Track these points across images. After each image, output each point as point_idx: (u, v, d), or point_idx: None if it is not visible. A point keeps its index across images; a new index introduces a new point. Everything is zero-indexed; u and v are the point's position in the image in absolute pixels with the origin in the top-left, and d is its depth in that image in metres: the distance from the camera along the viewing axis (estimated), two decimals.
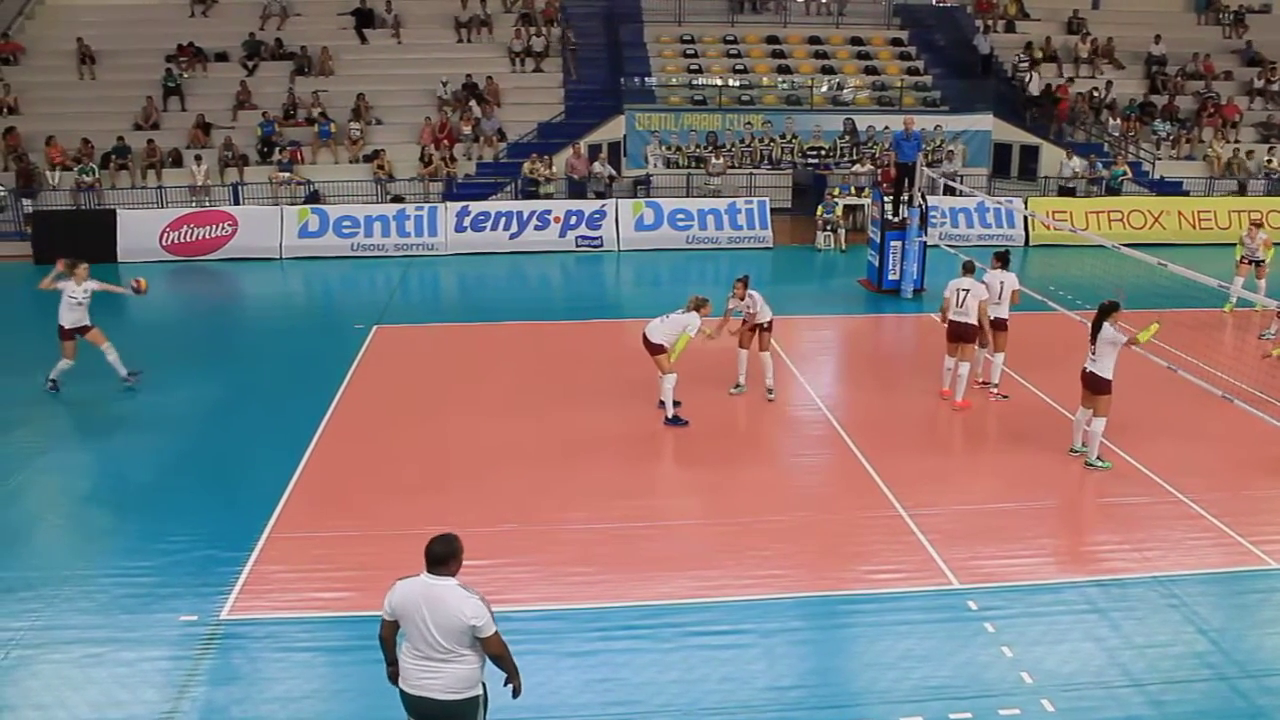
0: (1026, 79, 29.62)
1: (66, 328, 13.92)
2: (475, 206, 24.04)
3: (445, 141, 26.55)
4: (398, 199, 24.92)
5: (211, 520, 10.43)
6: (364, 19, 29.97)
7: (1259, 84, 30.83)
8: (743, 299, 13.56)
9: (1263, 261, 18.34)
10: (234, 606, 8.91)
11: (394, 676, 6.21)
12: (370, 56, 29.34)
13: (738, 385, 14.11)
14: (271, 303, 20.63)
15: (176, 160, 25.60)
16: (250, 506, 10.67)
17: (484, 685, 6.14)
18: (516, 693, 6.24)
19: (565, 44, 29.74)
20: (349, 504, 10.86)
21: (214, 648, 8.34)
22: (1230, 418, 12.42)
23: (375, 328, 17.31)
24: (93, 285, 14.06)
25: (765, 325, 13.63)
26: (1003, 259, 14.25)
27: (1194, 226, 25.14)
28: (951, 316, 13.48)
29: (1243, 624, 8.94)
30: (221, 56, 28.90)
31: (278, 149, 25.95)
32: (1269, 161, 28.04)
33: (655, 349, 12.83)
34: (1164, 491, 11.24)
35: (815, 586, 9.36)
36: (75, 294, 13.89)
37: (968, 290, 13.41)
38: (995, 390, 14.18)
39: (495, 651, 6.04)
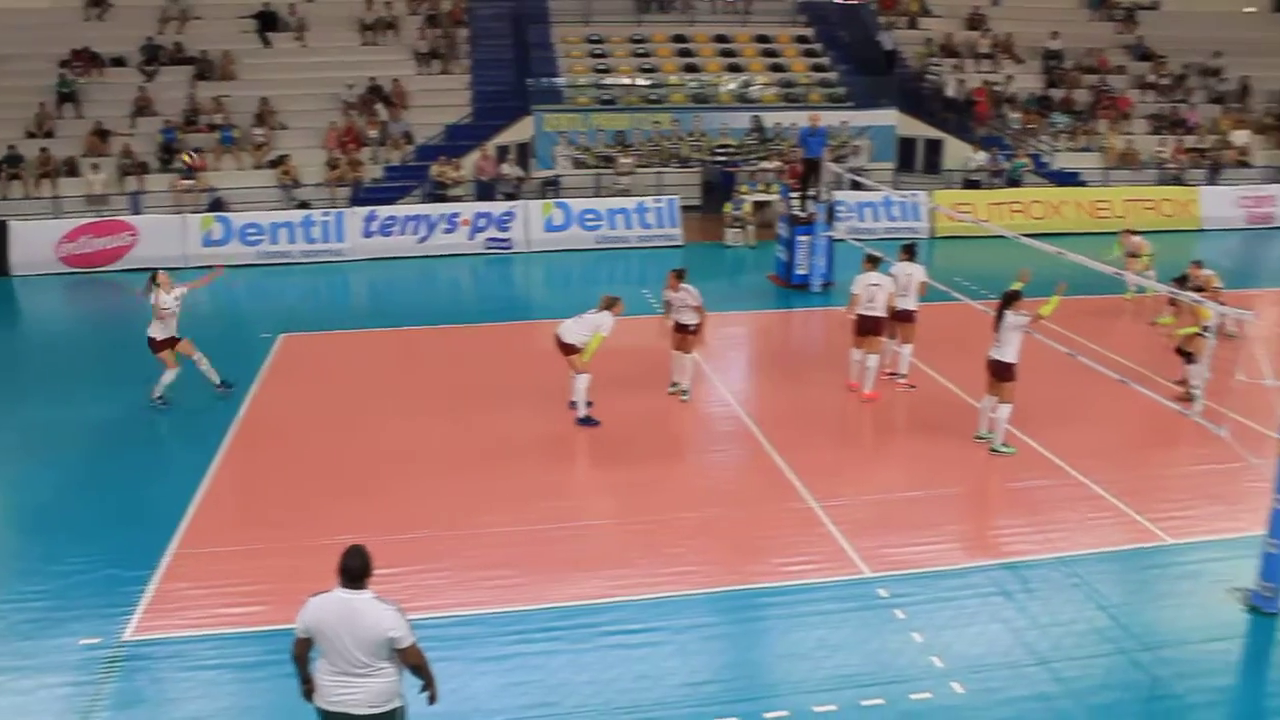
0: (944, 83, 30.10)
1: (158, 339, 13.53)
2: (382, 211, 23.67)
3: (351, 145, 26.15)
4: (304, 205, 24.47)
5: (113, 538, 10.14)
6: (267, 22, 29.33)
7: (1151, 78, 31.93)
8: (676, 290, 13.60)
9: (1139, 256, 18.90)
10: (138, 627, 8.69)
11: (309, 694, 6.13)
12: (273, 60, 28.71)
13: (674, 384, 14.15)
14: None
15: (72, 169, 24.77)
16: (154, 523, 10.40)
17: (403, 696, 6.09)
18: (433, 700, 6.23)
19: (455, 41, 29.47)
20: (257, 517, 10.66)
21: (117, 670, 8.12)
22: (1126, 400, 12.79)
23: (282, 336, 16.97)
24: (180, 289, 13.71)
25: (693, 328, 13.69)
26: (910, 251, 14.49)
27: (1091, 216, 25.89)
28: (860, 311, 13.69)
29: (1141, 599, 9.28)
30: (118, 61, 28.01)
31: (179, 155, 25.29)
32: (1160, 152, 28.98)
33: (568, 349, 12.81)
34: (1065, 474, 11.59)
35: (728, 581, 9.44)
36: (166, 303, 13.48)
37: (878, 285, 13.63)
38: (903, 381, 14.43)
39: (413, 661, 6.02)
